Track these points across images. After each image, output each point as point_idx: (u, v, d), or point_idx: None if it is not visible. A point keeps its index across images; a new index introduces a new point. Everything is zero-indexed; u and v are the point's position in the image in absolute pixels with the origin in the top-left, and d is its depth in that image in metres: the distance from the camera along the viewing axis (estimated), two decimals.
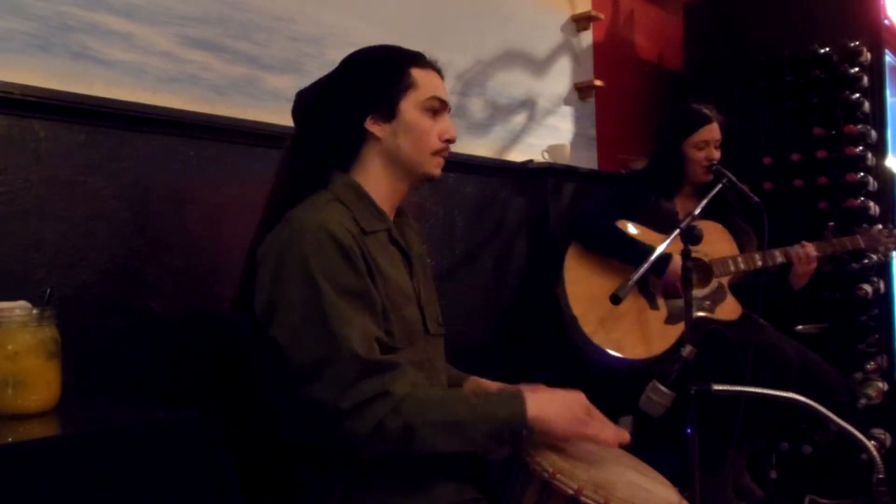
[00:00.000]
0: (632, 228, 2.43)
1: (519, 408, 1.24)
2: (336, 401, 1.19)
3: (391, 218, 1.45)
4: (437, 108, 1.42)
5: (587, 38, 3.16)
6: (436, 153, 1.42)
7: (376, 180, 1.41)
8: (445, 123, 1.44)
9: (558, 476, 1.18)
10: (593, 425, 1.28)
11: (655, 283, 2.39)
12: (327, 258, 1.24)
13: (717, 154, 2.45)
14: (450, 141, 1.44)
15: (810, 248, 2.38)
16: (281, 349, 1.24)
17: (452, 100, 2.48)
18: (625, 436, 1.30)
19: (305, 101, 1.45)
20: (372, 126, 1.39)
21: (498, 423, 1.23)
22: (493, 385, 1.53)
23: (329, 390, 1.19)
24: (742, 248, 2.50)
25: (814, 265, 2.38)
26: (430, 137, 1.41)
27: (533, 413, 1.23)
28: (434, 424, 1.21)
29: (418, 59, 1.43)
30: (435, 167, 1.43)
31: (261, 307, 1.28)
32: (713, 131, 2.46)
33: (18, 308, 1.07)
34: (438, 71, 1.46)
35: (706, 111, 2.48)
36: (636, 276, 1.69)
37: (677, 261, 2.26)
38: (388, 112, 1.39)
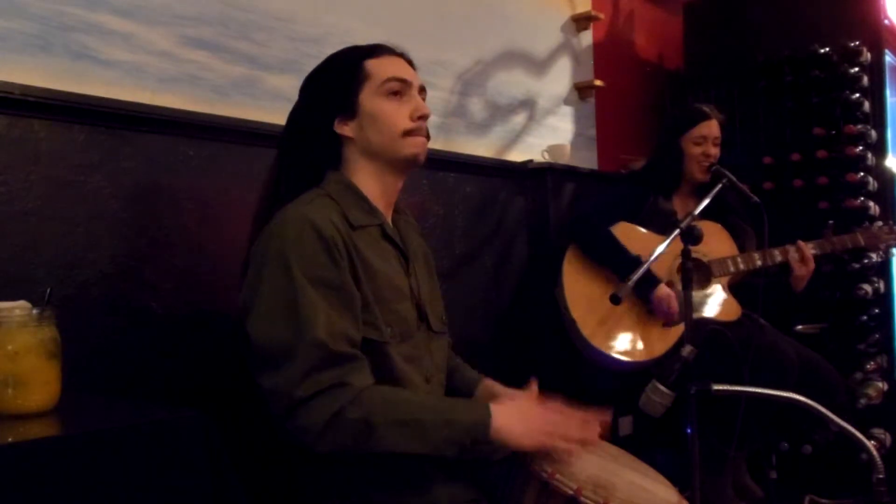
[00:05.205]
0: (630, 230, 2.43)
1: (482, 417, 1.21)
2: (291, 389, 1.18)
3: (388, 215, 1.45)
4: (399, 89, 1.39)
5: (587, 38, 3.16)
6: (407, 133, 1.39)
7: (365, 178, 1.41)
8: (413, 102, 1.40)
9: (557, 476, 1.18)
10: (556, 436, 1.23)
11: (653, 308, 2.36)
12: (305, 249, 1.24)
13: (714, 151, 2.46)
14: (423, 117, 1.40)
15: (807, 249, 2.38)
16: (249, 340, 1.24)
17: (452, 99, 2.50)
18: (593, 436, 1.27)
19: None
20: (341, 128, 1.40)
21: (460, 429, 1.20)
22: (503, 391, 1.52)
23: (285, 379, 1.18)
24: (742, 248, 2.50)
25: (812, 266, 2.38)
26: (396, 119, 1.38)
27: (497, 424, 1.21)
28: (395, 422, 1.19)
29: (373, 51, 1.42)
30: (411, 147, 1.39)
31: (242, 301, 1.29)
32: (712, 128, 2.48)
33: (18, 308, 1.07)
34: (400, 54, 1.44)
35: (705, 108, 2.50)
36: (636, 277, 1.69)
37: (663, 288, 2.25)
38: (350, 110, 1.39)
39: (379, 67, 1.40)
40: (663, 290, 2.26)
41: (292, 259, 1.23)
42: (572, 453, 1.24)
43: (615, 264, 2.32)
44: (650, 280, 2.25)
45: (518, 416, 1.25)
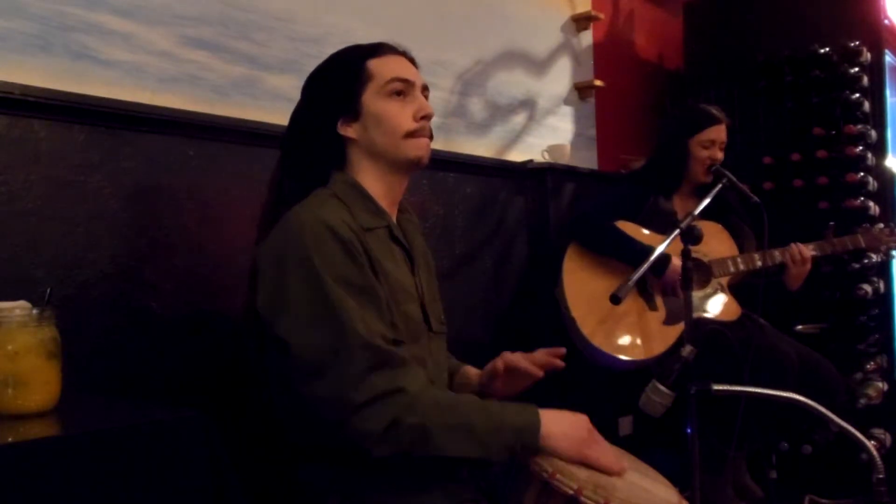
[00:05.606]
0: (631, 229, 2.43)
1: (533, 419, 1.22)
2: (347, 393, 1.16)
3: (393, 215, 1.44)
4: (402, 89, 1.38)
5: (587, 38, 3.17)
6: (410, 134, 1.37)
7: (369, 178, 1.40)
8: (417, 102, 1.39)
9: (558, 476, 1.17)
10: (596, 449, 1.26)
11: (654, 283, 2.39)
12: (328, 253, 1.23)
13: (720, 155, 2.46)
14: (426, 117, 1.39)
15: (805, 249, 2.38)
16: (287, 348, 1.22)
17: (452, 99, 2.50)
18: (623, 465, 1.28)
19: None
20: (344, 129, 1.38)
21: (513, 433, 1.21)
22: (476, 374, 1.56)
23: (338, 384, 1.17)
24: (742, 248, 2.50)
25: (808, 266, 2.38)
26: (400, 120, 1.37)
27: (545, 430, 1.21)
28: (450, 427, 1.19)
29: (375, 50, 1.40)
30: (415, 149, 1.38)
31: (264, 307, 1.27)
32: (720, 132, 2.47)
33: (18, 308, 1.07)
34: (403, 53, 1.43)
35: (714, 112, 2.50)
36: (636, 277, 1.69)
37: (676, 261, 2.26)
38: (353, 111, 1.37)
39: (382, 67, 1.39)
40: (677, 262, 2.26)
41: (317, 263, 1.22)
42: (610, 470, 1.24)
43: (625, 254, 2.32)
44: (664, 259, 2.24)
45: (559, 421, 1.25)
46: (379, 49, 1.41)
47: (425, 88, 1.43)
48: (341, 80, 1.39)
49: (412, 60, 1.45)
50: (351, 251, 1.25)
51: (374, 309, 1.25)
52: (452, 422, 1.19)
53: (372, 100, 1.37)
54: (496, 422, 1.21)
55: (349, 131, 1.39)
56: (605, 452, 1.27)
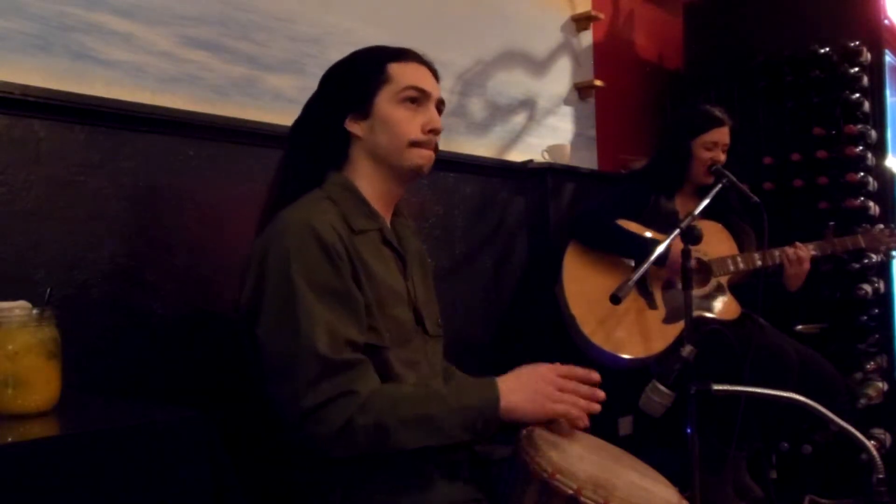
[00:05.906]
0: (632, 229, 2.42)
1: (491, 394, 1.23)
2: (297, 400, 1.19)
3: (387, 217, 1.44)
4: (416, 97, 1.38)
5: (587, 38, 3.16)
6: (415, 144, 1.38)
7: (367, 180, 1.40)
8: (429, 114, 1.39)
9: (557, 476, 1.17)
10: (563, 399, 1.26)
11: (655, 280, 2.39)
12: (307, 256, 1.24)
13: (723, 157, 2.46)
14: (434, 131, 1.39)
15: (802, 250, 2.38)
16: (260, 347, 1.25)
17: (452, 99, 2.51)
18: (594, 406, 1.28)
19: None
20: (351, 126, 1.39)
21: (471, 413, 1.22)
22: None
23: (291, 390, 1.19)
24: (742, 248, 2.50)
25: (806, 266, 2.38)
26: (408, 128, 1.37)
27: (505, 401, 1.23)
28: (405, 421, 1.20)
29: (398, 55, 1.41)
30: (417, 159, 1.38)
31: (245, 303, 1.29)
32: (724, 134, 2.48)
33: (18, 308, 1.07)
34: (426, 64, 1.43)
35: (718, 113, 2.49)
36: (636, 276, 1.69)
37: (676, 246, 2.25)
38: (364, 109, 1.38)
39: (401, 72, 1.39)
40: (677, 247, 2.26)
41: (293, 267, 1.23)
42: (582, 422, 1.27)
43: (627, 247, 2.33)
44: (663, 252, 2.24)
45: (516, 388, 1.26)
46: (403, 54, 1.41)
47: (441, 103, 1.43)
48: (359, 77, 1.39)
49: (434, 73, 1.44)
50: (331, 255, 1.25)
51: (348, 313, 1.25)
52: (408, 415, 1.20)
53: (385, 102, 1.37)
54: (453, 406, 1.22)
55: (356, 128, 1.39)
56: (575, 398, 1.27)
